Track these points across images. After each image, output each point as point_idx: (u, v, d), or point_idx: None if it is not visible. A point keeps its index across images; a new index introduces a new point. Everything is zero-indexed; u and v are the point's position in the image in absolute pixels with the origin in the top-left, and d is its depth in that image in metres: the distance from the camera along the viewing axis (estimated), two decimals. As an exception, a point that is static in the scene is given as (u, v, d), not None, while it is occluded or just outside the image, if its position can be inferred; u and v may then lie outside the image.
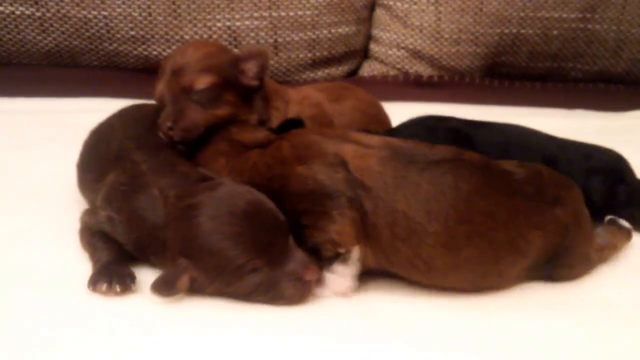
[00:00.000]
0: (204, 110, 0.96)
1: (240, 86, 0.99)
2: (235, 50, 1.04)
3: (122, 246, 0.85)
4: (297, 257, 0.78)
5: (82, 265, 0.83)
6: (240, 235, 0.75)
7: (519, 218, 0.78)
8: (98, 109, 1.07)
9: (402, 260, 0.77)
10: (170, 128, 0.93)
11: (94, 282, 0.78)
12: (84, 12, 1.54)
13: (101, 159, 0.94)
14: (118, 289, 0.77)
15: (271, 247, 0.76)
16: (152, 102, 1.02)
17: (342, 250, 0.78)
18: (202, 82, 0.95)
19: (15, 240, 0.90)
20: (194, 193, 0.80)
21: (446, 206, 0.75)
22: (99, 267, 0.81)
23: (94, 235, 0.86)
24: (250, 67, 0.99)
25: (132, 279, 0.79)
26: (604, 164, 1.03)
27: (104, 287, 0.77)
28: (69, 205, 0.99)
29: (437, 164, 0.77)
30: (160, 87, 0.97)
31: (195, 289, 0.78)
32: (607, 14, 1.74)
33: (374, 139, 0.81)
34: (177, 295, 0.76)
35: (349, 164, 0.77)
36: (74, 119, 1.29)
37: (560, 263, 0.82)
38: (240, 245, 0.75)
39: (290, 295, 0.77)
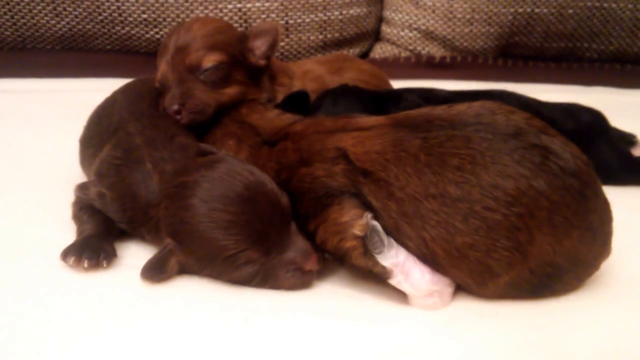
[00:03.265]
0: (212, 90, 0.91)
1: (248, 65, 0.95)
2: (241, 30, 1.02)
3: (111, 222, 0.81)
4: (298, 244, 0.73)
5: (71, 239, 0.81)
6: (233, 223, 0.69)
7: (539, 211, 0.66)
8: (110, 89, 1.08)
9: (408, 245, 0.71)
10: (178, 111, 0.89)
11: (65, 254, 0.75)
12: (97, -5, 1.55)
13: (101, 134, 0.91)
14: (86, 264, 0.74)
15: (268, 236, 0.71)
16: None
17: (358, 232, 0.71)
18: (210, 59, 0.90)
19: (14, 213, 0.90)
20: (190, 170, 0.74)
21: (444, 180, 0.68)
22: (77, 239, 0.79)
23: (82, 209, 0.83)
24: (259, 45, 0.96)
25: (108, 255, 0.76)
26: (591, 122, 1.05)
27: (72, 260, 0.74)
28: (72, 181, 0.96)
29: (441, 128, 0.72)
30: (163, 66, 0.92)
31: (188, 271, 0.75)
32: (623, -8, 1.71)
33: (376, 119, 0.79)
34: (167, 279, 0.73)
35: (350, 154, 0.74)
36: (86, 98, 1.30)
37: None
38: (232, 236, 0.69)
39: (289, 286, 0.73)
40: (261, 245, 0.71)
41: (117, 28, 1.60)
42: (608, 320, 0.69)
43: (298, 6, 1.63)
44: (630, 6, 1.72)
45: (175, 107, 0.89)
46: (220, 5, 1.58)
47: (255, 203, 0.71)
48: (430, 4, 1.71)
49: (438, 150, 0.70)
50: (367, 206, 0.73)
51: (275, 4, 1.61)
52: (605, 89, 1.61)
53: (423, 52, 1.76)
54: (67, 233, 0.83)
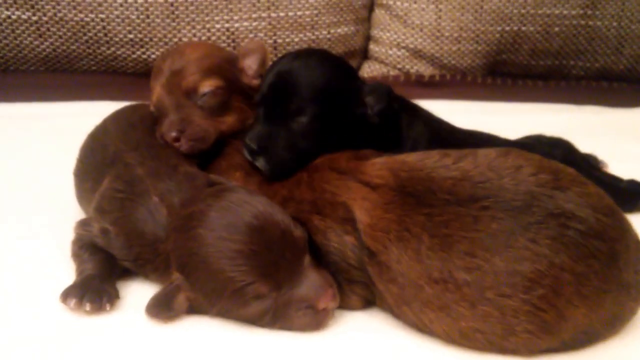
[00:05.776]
0: (212, 118, 0.88)
1: (243, 89, 0.93)
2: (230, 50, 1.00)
3: (114, 260, 0.77)
4: (312, 279, 0.68)
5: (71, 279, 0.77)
6: (240, 253, 0.65)
7: (565, 287, 0.63)
8: (97, 113, 1.05)
9: (409, 323, 0.71)
10: (177, 138, 0.85)
11: (65, 296, 0.72)
12: (81, 16, 1.51)
13: (97, 166, 0.86)
14: (88, 307, 0.69)
15: (278, 269, 0.66)
16: (147, 102, 0.97)
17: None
18: (207, 84, 0.88)
19: (4, 251, 0.86)
20: (197, 200, 0.71)
21: (449, 265, 0.65)
22: (78, 280, 0.75)
23: (82, 247, 0.79)
24: (250, 64, 0.95)
25: (111, 297, 0.72)
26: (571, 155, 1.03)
27: (73, 302, 0.70)
28: (66, 214, 0.93)
29: (447, 203, 0.68)
30: (159, 90, 0.89)
31: (197, 310, 0.70)
32: (608, 10, 1.72)
33: (382, 173, 0.76)
34: (175, 318, 0.69)
35: (358, 223, 0.73)
36: (73, 123, 1.27)
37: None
38: (240, 266, 0.65)
39: (301, 326, 0.68)
40: (271, 278, 0.66)
41: (103, 48, 1.57)
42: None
43: (286, 25, 1.61)
44: (614, 24, 1.74)
45: (174, 134, 0.85)
46: (208, 25, 1.56)
47: (265, 232, 0.67)
48: (418, 22, 1.71)
49: (443, 231, 0.67)
50: (370, 284, 0.73)
51: (263, 24, 1.59)
52: (596, 108, 1.62)
53: (412, 70, 1.75)
54: (62, 269, 0.80)
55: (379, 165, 0.78)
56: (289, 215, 0.71)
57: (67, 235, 0.84)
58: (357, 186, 0.76)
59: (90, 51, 1.57)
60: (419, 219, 0.69)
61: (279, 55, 1.60)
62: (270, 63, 0.95)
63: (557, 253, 0.63)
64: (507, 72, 1.81)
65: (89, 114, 1.04)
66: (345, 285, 0.75)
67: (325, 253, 0.75)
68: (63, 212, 0.96)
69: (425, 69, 1.76)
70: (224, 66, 0.92)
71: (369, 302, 0.76)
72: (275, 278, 0.67)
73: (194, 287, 0.68)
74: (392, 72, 1.77)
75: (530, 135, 1.07)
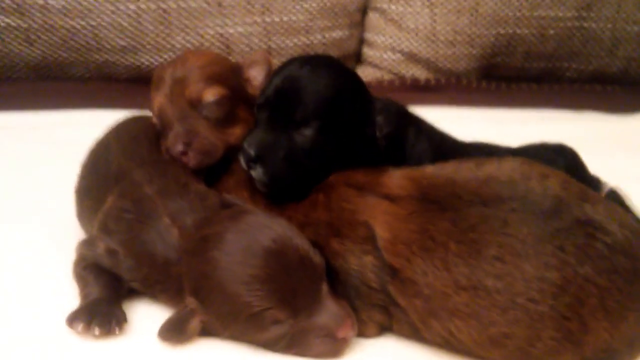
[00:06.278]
0: (218, 130, 0.85)
1: (248, 99, 0.90)
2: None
3: (120, 282, 0.75)
4: (331, 308, 0.67)
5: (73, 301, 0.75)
6: (257, 278, 0.64)
7: (589, 298, 0.62)
8: (90, 122, 1.02)
9: (435, 336, 0.69)
10: (184, 152, 0.82)
11: (71, 320, 0.69)
12: (72, 23, 1.49)
13: (100, 184, 0.83)
14: (97, 332, 0.67)
15: (296, 295, 0.65)
16: (147, 113, 0.94)
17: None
18: (212, 93, 0.85)
19: (4, 251, 0.84)
20: (213, 222, 0.69)
21: (478, 272, 0.64)
22: (84, 303, 0.72)
23: (87, 268, 0.76)
24: (256, 75, 0.92)
25: (119, 321, 0.70)
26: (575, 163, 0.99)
27: (80, 327, 0.68)
28: (64, 233, 0.90)
29: (471, 205, 0.66)
30: (160, 99, 0.86)
31: (210, 333, 0.68)
32: (603, 12, 1.71)
33: (403, 184, 0.73)
34: (188, 341, 0.67)
35: (379, 240, 0.70)
36: (66, 134, 1.25)
37: None
38: (257, 292, 0.63)
39: (317, 354, 0.67)
40: (288, 304, 0.65)
41: (94, 55, 1.54)
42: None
43: (281, 30, 1.60)
44: (609, 26, 1.74)
45: (181, 147, 0.82)
46: (200, 31, 1.54)
47: (283, 257, 0.65)
48: (413, 26, 1.69)
49: (470, 236, 0.65)
50: (391, 305, 0.70)
51: (258, 29, 1.58)
52: (593, 115, 1.60)
53: (407, 74, 1.74)
54: (61, 270, 0.78)
55: (398, 176, 0.76)
56: (307, 240, 0.70)
57: (68, 235, 0.83)
58: (377, 201, 0.74)
59: (81, 58, 1.55)
60: (444, 226, 0.67)
61: (274, 60, 1.60)
62: None
63: (582, 264, 0.63)
64: (501, 75, 1.80)
65: (84, 124, 1.02)
66: (364, 312, 0.73)
67: (344, 277, 0.72)
68: (62, 211, 0.93)
69: (420, 73, 1.75)
70: (229, 75, 0.90)
71: (384, 328, 0.75)
72: (293, 305, 0.65)
73: (208, 311, 0.66)
74: (387, 77, 1.75)
75: (533, 144, 1.05)
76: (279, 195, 0.81)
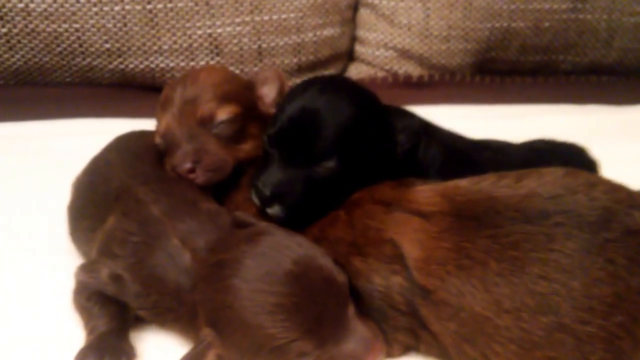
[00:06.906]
0: (228, 146, 0.82)
1: (259, 116, 0.88)
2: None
3: (126, 310, 0.70)
4: (358, 332, 0.62)
5: (73, 333, 0.71)
6: (282, 307, 0.59)
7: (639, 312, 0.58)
8: (78, 132, 0.98)
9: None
10: (192, 169, 0.78)
11: (81, 358, 0.65)
12: (54, 26, 1.43)
13: (98, 202, 0.79)
14: None
15: (323, 322, 0.60)
16: (146, 129, 0.91)
17: None
18: (225, 111, 0.82)
19: (4, 251, 0.82)
20: (229, 245, 0.64)
21: (521, 292, 0.60)
22: (92, 339, 0.68)
23: (91, 298, 0.71)
24: (267, 92, 0.89)
25: (129, 357, 0.66)
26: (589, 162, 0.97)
27: None
28: (55, 255, 0.86)
29: (513, 222, 0.62)
30: (168, 120, 0.82)
31: None
32: (598, 3, 1.68)
33: (434, 200, 0.69)
34: None
35: (408, 260, 0.66)
36: (54, 145, 1.19)
37: None
38: (281, 322, 0.59)
39: None
40: (315, 333, 0.60)
41: (78, 59, 1.48)
42: None
43: (271, 29, 1.55)
44: (605, 17, 1.71)
45: (189, 165, 0.78)
46: (189, 32, 1.49)
47: (307, 282, 0.61)
48: (405, 22, 1.65)
49: (512, 254, 0.61)
50: (420, 329, 0.66)
51: (247, 28, 1.53)
52: (593, 107, 1.56)
53: (400, 71, 1.70)
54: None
55: (429, 192, 0.71)
56: (329, 256, 0.65)
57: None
58: (405, 217, 0.69)
59: (65, 62, 1.49)
60: (483, 243, 0.63)
61: (265, 61, 1.56)
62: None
63: (634, 275, 0.58)
64: (496, 69, 1.76)
65: (67, 133, 0.98)
66: (388, 334, 0.69)
67: (368, 299, 0.68)
68: (47, 255, 0.88)
69: (414, 70, 1.71)
70: (241, 92, 0.87)
71: (409, 348, 0.71)
72: (320, 333, 0.61)
73: (227, 344, 0.62)
74: (380, 74, 1.72)
75: (543, 139, 1.02)
76: (294, 225, 0.76)
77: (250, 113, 0.86)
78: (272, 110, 0.87)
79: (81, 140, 0.92)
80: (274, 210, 0.76)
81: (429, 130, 0.90)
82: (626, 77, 1.80)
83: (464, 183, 0.71)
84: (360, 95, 0.81)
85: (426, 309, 0.65)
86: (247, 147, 0.85)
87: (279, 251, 0.62)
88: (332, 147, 0.75)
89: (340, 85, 0.82)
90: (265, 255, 0.62)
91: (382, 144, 0.79)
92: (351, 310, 0.64)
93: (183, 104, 0.82)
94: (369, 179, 0.77)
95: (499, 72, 1.76)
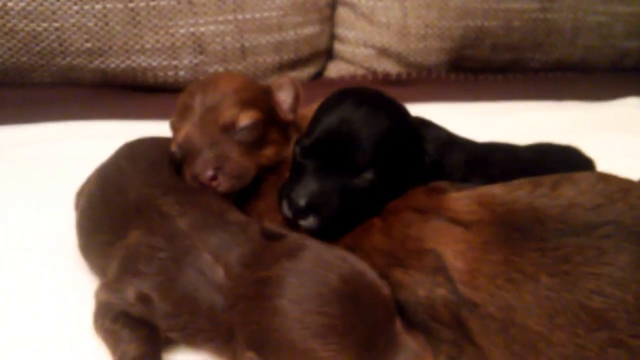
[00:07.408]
0: (249, 153, 0.81)
1: (278, 121, 0.88)
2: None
3: (156, 332, 0.65)
4: (409, 347, 0.60)
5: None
6: (333, 329, 0.55)
7: None
8: (59, 137, 0.96)
9: None
10: (214, 176, 0.76)
11: None
12: (33, 25, 1.39)
13: (115, 215, 0.73)
14: None
15: (375, 341, 0.57)
16: (156, 135, 0.90)
17: None
18: (246, 117, 0.81)
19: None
20: (268, 261, 0.60)
21: (575, 307, 0.58)
22: None
23: (117, 320, 0.66)
24: (285, 98, 0.89)
25: None
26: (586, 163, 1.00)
27: None
28: (55, 255, 0.83)
29: (561, 234, 0.60)
30: (188, 128, 0.80)
31: None
32: (565, 3, 1.76)
33: (473, 208, 0.67)
34: None
35: (452, 272, 0.64)
36: (36, 150, 1.16)
37: None
38: (334, 345, 0.55)
39: None
40: (367, 352, 0.57)
41: (58, 59, 1.45)
42: None
43: (253, 28, 1.55)
44: (570, 16, 1.79)
45: (211, 172, 0.76)
46: (171, 30, 1.48)
47: (357, 300, 0.57)
48: (384, 20, 1.68)
49: (563, 267, 0.59)
50: (466, 339, 0.64)
51: (230, 27, 1.52)
52: (569, 104, 1.60)
53: (379, 69, 1.73)
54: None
55: (465, 200, 0.69)
56: (374, 271, 0.62)
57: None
58: (445, 226, 0.67)
59: (44, 62, 1.45)
60: (532, 256, 0.61)
61: (248, 59, 1.55)
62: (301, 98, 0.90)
63: None
64: (469, 67, 1.82)
65: (52, 140, 0.95)
66: (432, 346, 0.66)
67: (411, 311, 0.66)
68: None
69: (392, 68, 1.74)
70: (261, 98, 0.87)
71: (452, 358, 0.68)
72: (372, 353, 0.58)
73: None
74: (359, 72, 1.74)
75: (543, 142, 1.06)
76: (327, 235, 0.75)
77: (270, 119, 0.86)
78: (290, 116, 0.89)
79: (61, 144, 0.90)
80: (307, 222, 0.75)
81: (452, 138, 0.93)
82: (590, 74, 1.89)
83: (498, 190, 0.69)
84: (393, 107, 0.82)
85: (474, 322, 0.63)
86: (268, 153, 0.84)
87: (324, 268, 0.59)
88: (370, 159, 0.75)
89: (375, 97, 0.82)
90: (310, 273, 0.58)
91: (414, 154, 0.80)
92: (399, 324, 0.62)
93: (204, 111, 0.81)
94: (401, 190, 0.77)
95: (472, 70, 1.82)
